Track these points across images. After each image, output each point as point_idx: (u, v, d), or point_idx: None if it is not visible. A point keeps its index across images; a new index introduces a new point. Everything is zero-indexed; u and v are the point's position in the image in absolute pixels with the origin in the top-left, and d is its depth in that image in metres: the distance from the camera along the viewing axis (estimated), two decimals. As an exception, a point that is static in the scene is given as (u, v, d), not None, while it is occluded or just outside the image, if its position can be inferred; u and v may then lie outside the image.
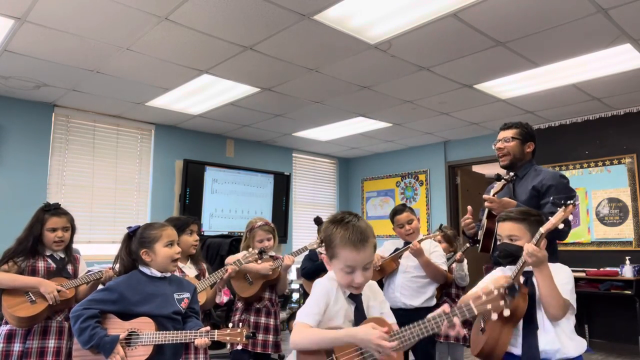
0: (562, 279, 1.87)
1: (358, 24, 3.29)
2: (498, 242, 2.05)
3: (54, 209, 2.57)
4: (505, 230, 2.01)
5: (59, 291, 2.40)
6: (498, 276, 1.98)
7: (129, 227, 2.11)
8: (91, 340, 1.84)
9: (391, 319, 1.66)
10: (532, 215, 2.02)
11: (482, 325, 1.99)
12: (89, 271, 2.70)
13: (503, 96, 4.81)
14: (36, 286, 2.37)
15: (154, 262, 2.03)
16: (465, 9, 3.06)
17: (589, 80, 4.35)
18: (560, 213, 1.76)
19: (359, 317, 1.57)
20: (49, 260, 2.54)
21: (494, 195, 2.53)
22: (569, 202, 1.74)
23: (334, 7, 3.04)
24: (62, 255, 2.60)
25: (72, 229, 2.62)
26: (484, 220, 2.62)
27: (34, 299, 2.38)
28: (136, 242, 2.05)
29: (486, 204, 2.51)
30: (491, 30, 3.36)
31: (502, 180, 2.57)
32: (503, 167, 2.78)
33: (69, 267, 2.59)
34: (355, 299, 1.59)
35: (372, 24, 3.30)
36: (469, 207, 2.87)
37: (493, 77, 4.27)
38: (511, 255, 1.97)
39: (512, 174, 2.57)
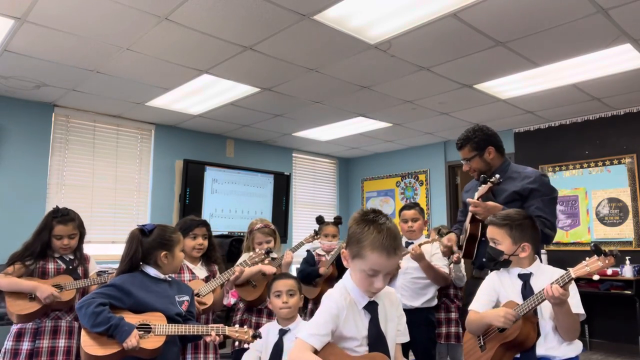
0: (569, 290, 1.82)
1: (358, 24, 3.29)
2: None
3: (61, 216, 2.58)
4: (489, 233, 2.03)
5: (60, 290, 2.45)
6: (499, 314, 1.85)
7: (144, 225, 2.07)
8: (109, 321, 1.80)
9: (404, 338, 1.60)
10: (515, 220, 1.99)
11: (482, 342, 1.98)
12: (99, 271, 2.75)
13: (503, 96, 4.81)
14: (33, 291, 2.42)
15: (168, 265, 2.03)
16: (465, 9, 3.06)
17: (589, 80, 4.35)
18: (598, 263, 1.69)
19: (373, 329, 1.49)
20: (59, 262, 2.60)
21: (478, 199, 2.42)
22: (610, 252, 1.66)
23: (334, 7, 3.03)
24: (72, 257, 2.65)
25: (81, 234, 2.67)
26: (467, 225, 2.52)
27: (33, 296, 2.44)
28: (155, 242, 2.02)
29: (471, 208, 2.39)
30: (491, 30, 3.36)
31: (488, 182, 2.41)
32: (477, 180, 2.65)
33: (79, 268, 2.64)
34: (372, 311, 1.50)
35: (372, 24, 3.29)
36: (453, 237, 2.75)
37: (493, 77, 4.27)
38: (493, 259, 1.99)
39: (497, 176, 2.41)
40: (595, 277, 1.70)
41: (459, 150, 2.69)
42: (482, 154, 2.59)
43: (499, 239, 1.99)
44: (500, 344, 1.86)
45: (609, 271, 4.79)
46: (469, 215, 2.50)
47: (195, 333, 1.95)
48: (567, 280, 1.72)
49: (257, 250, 2.75)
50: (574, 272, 1.72)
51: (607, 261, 1.66)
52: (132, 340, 1.80)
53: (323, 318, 1.46)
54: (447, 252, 2.75)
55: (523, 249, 1.96)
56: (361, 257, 1.45)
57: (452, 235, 2.75)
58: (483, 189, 2.43)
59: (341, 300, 1.48)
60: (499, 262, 1.98)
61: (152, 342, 1.86)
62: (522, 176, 2.52)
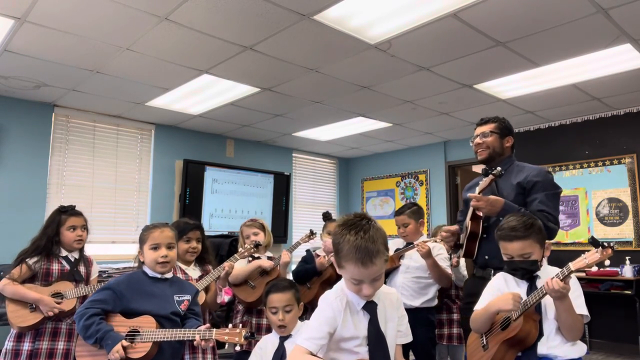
0: (573, 292, 1.82)
1: (358, 24, 3.29)
2: (505, 258, 1.99)
3: (72, 209, 2.66)
4: (516, 250, 1.92)
5: (59, 302, 2.48)
6: (507, 297, 1.85)
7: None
8: (97, 333, 1.85)
9: (406, 339, 1.60)
10: (533, 225, 1.94)
11: (485, 342, 1.97)
12: (100, 273, 2.77)
13: (503, 96, 4.81)
14: (36, 303, 2.45)
15: (147, 263, 2.06)
16: (465, 9, 3.06)
17: (589, 80, 4.35)
18: (596, 255, 1.69)
19: (372, 330, 1.48)
20: (63, 262, 2.61)
21: (479, 193, 2.37)
22: (607, 244, 1.67)
23: (334, 7, 3.04)
24: (77, 257, 2.66)
25: (87, 230, 2.71)
26: (468, 222, 2.48)
27: (34, 307, 2.47)
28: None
29: (472, 202, 2.35)
30: (491, 30, 3.36)
31: (490, 175, 2.37)
32: (481, 160, 2.65)
33: (82, 270, 2.65)
34: (371, 311, 1.50)
35: (372, 24, 3.29)
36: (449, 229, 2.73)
37: (493, 77, 4.27)
38: (530, 272, 1.93)
39: (499, 168, 2.37)
40: (594, 269, 1.72)
41: (483, 125, 2.69)
42: (502, 137, 2.65)
43: (529, 250, 1.91)
44: (502, 341, 1.86)
45: (606, 269, 4.80)
46: (470, 212, 2.46)
47: (181, 338, 1.92)
48: (567, 274, 1.73)
49: (246, 245, 2.75)
50: (574, 265, 1.73)
51: (604, 253, 1.68)
52: (114, 355, 1.82)
53: (317, 321, 1.47)
54: (449, 237, 2.66)
55: (547, 248, 1.97)
56: (342, 268, 1.46)
57: (447, 228, 2.71)
58: (485, 182, 2.40)
59: (337, 303, 1.48)
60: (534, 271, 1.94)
61: (138, 350, 1.87)
62: (526, 170, 2.52)
